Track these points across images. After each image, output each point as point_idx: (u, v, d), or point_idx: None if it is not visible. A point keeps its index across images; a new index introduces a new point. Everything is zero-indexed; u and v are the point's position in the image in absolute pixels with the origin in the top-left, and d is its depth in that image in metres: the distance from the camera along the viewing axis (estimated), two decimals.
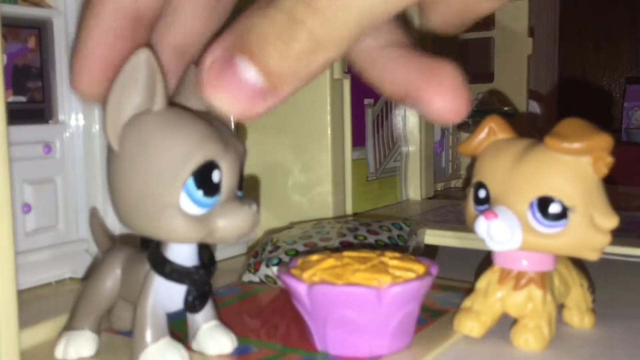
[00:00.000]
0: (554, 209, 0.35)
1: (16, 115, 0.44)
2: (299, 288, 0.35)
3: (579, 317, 0.41)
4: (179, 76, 0.34)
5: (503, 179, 0.37)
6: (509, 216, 0.36)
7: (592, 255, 0.36)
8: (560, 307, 0.41)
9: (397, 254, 0.37)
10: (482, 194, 0.38)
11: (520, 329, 0.38)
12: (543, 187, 0.35)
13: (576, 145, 0.35)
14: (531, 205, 0.36)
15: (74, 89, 0.30)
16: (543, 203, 0.35)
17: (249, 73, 0.21)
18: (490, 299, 0.38)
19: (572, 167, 0.35)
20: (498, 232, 0.36)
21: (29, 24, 0.45)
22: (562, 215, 0.35)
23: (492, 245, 0.37)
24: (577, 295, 0.41)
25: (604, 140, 0.35)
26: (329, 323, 0.35)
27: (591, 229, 0.35)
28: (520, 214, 0.36)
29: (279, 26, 0.20)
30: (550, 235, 0.36)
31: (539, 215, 0.35)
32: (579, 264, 0.42)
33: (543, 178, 0.35)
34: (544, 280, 0.37)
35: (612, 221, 0.35)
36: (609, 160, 0.35)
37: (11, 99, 0.44)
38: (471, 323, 0.38)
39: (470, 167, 0.41)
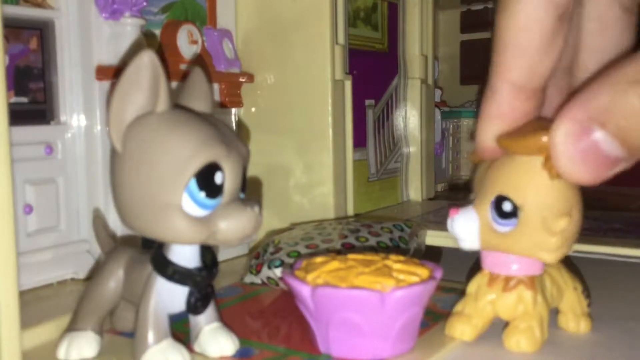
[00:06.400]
0: (505, 207, 0.35)
1: (18, 116, 0.44)
2: (303, 290, 0.35)
3: (574, 321, 0.40)
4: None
5: (481, 181, 0.37)
6: (469, 214, 0.36)
7: (545, 257, 0.35)
8: (555, 312, 0.41)
9: (401, 258, 0.37)
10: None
11: (511, 330, 0.37)
12: (499, 186, 0.35)
13: (519, 143, 0.33)
14: (491, 204, 0.36)
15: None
16: (498, 201, 0.35)
17: (609, 146, 0.24)
18: (481, 303, 0.38)
19: (525, 166, 0.34)
20: (456, 228, 0.36)
21: (30, 24, 0.45)
22: (513, 213, 0.35)
23: (460, 242, 0.37)
24: (571, 299, 0.40)
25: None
26: (332, 325, 0.35)
27: (541, 230, 0.35)
28: (483, 213, 0.36)
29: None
30: (504, 234, 0.35)
31: (494, 213, 0.35)
32: (574, 269, 0.42)
33: (500, 177, 0.35)
34: (533, 281, 0.37)
35: (561, 223, 0.34)
36: None
37: (13, 99, 0.44)
38: (462, 327, 0.38)
39: (473, 172, 0.40)
